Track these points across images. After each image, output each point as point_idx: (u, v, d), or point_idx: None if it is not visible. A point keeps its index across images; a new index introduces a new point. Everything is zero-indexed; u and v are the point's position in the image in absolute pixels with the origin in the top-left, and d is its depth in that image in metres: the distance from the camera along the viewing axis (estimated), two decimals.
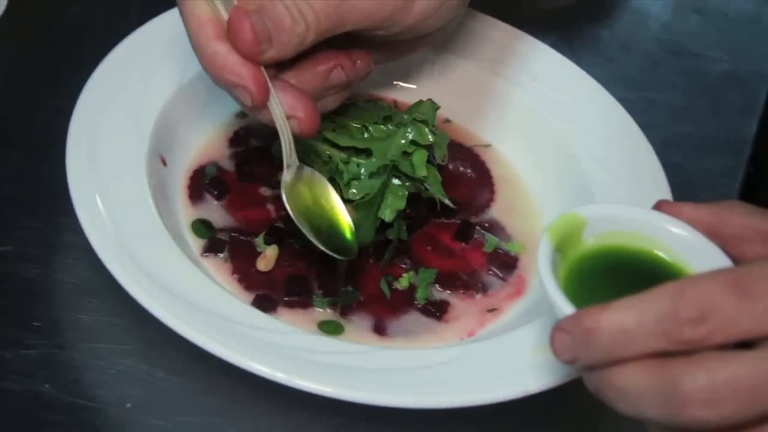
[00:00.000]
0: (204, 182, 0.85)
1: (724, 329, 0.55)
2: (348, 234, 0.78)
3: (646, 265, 0.66)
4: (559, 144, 0.90)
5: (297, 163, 0.78)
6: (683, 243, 0.65)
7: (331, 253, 0.77)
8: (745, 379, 0.54)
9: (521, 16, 1.00)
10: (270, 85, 0.73)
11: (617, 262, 0.65)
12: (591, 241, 0.66)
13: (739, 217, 0.65)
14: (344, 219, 0.78)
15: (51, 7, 1.00)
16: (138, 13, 0.96)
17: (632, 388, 0.57)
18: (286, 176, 0.77)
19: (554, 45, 0.97)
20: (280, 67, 0.75)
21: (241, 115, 0.90)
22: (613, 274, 0.65)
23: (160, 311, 0.70)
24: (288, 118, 0.75)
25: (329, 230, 0.78)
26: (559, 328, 0.59)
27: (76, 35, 0.98)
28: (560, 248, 0.64)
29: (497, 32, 0.96)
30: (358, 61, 0.79)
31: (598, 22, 1.12)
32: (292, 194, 0.77)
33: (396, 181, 0.81)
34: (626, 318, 0.56)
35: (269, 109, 0.74)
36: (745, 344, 0.56)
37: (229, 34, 0.72)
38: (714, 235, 0.64)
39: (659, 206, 0.66)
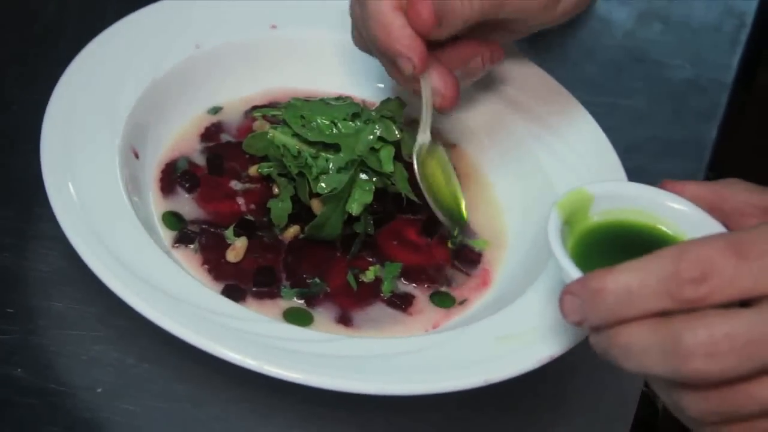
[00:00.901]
0: (175, 175, 0.87)
1: (724, 288, 0.58)
2: (462, 208, 0.87)
3: (649, 237, 0.69)
4: (523, 145, 0.92)
5: (429, 137, 0.85)
6: (684, 218, 0.68)
7: (445, 221, 0.85)
8: (743, 333, 0.57)
9: None
10: None
11: (622, 235, 0.69)
12: (597, 216, 0.70)
13: (739, 193, 0.68)
14: (460, 194, 0.87)
15: (28, 4, 1.01)
16: (114, 10, 0.97)
17: (636, 344, 0.60)
18: (420, 146, 0.84)
19: (520, 49, 0.99)
20: (431, 45, 0.80)
21: (213, 111, 0.92)
22: (618, 246, 0.68)
23: (131, 298, 0.72)
24: (433, 93, 0.82)
25: (448, 202, 0.86)
26: (567, 291, 0.63)
27: (53, 32, 1.00)
28: (569, 221, 0.68)
29: None
30: (494, 53, 0.85)
31: (563, 28, 1.14)
32: (422, 163, 0.84)
33: (363, 176, 0.82)
34: (630, 279, 0.60)
35: (421, 82, 0.82)
36: (744, 305, 0.59)
37: (411, 10, 0.78)
38: (715, 210, 0.68)
39: (664, 185, 0.70)
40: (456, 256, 0.86)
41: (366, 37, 0.81)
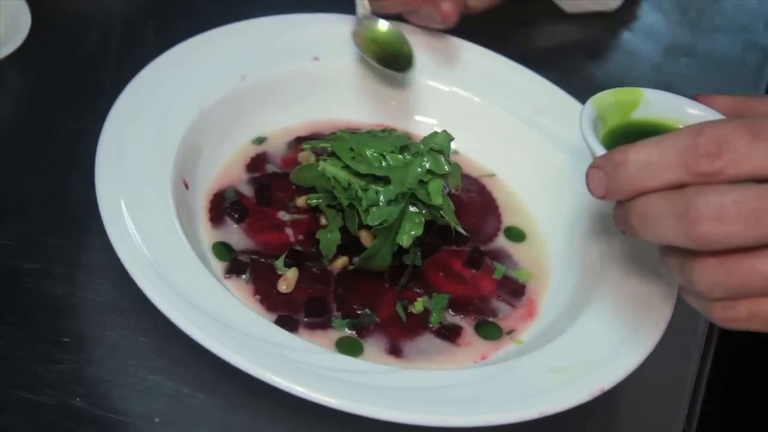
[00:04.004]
0: (224, 206, 0.87)
1: (737, 163, 0.62)
2: (406, 50, 0.96)
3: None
4: (561, 174, 0.94)
5: (369, 12, 0.98)
6: None
7: (390, 70, 0.95)
8: (751, 201, 0.61)
9: (523, 53, 1.04)
10: None
11: (648, 132, 0.70)
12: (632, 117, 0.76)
13: (765, 103, 0.73)
14: (403, 41, 0.97)
15: (70, 34, 1.02)
16: (153, 40, 0.99)
17: (652, 211, 0.64)
18: (360, 19, 0.97)
19: (554, 81, 1.00)
20: None
21: (257, 141, 0.93)
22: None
23: (190, 328, 0.72)
24: None
25: (392, 54, 0.96)
26: (593, 166, 0.67)
27: (95, 61, 1.00)
28: (602, 117, 0.74)
29: (503, 68, 1.00)
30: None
31: (593, 61, 1.16)
32: (361, 37, 0.96)
33: (413, 209, 0.83)
34: (651, 151, 0.64)
35: None
36: None
37: None
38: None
39: (696, 98, 0.75)
40: (501, 288, 0.87)
41: None
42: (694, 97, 0.75)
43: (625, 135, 0.74)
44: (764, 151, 0.62)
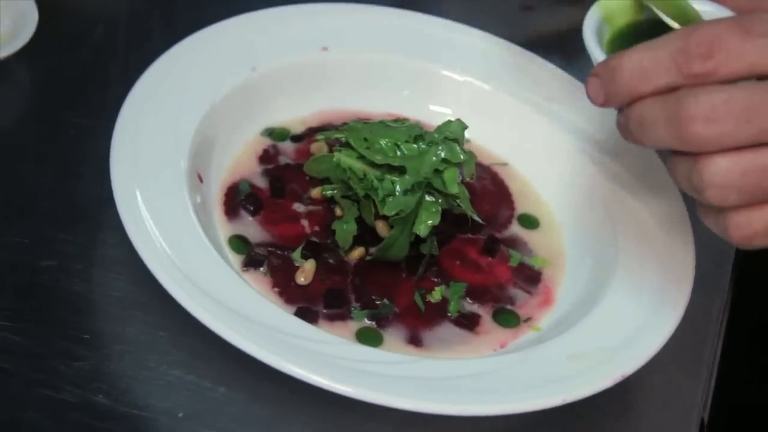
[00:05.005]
0: (239, 199, 0.87)
1: (730, 62, 0.61)
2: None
3: None
4: (574, 160, 0.94)
5: None
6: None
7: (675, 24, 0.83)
8: (742, 99, 0.61)
9: (528, 39, 1.04)
10: None
11: (653, 32, 0.69)
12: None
13: None
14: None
15: (77, 30, 1.01)
16: (161, 34, 0.98)
17: (647, 116, 0.64)
18: None
19: (560, 67, 1.00)
20: None
21: (267, 132, 0.93)
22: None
23: (212, 322, 0.72)
24: None
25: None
26: (591, 74, 0.67)
27: (102, 56, 1.00)
28: (608, 20, 0.73)
29: (512, 56, 0.99)
30: None
31: None
32: None
33: (429, 198, 0.83)
34: (644, 56, 0.64)
35: None
36: None
37: None
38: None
39: None
40: (517, 275, 0.87)
41: None
42: None
43: (633, 35, 0.73)
44: (757, 48, 0.61)
